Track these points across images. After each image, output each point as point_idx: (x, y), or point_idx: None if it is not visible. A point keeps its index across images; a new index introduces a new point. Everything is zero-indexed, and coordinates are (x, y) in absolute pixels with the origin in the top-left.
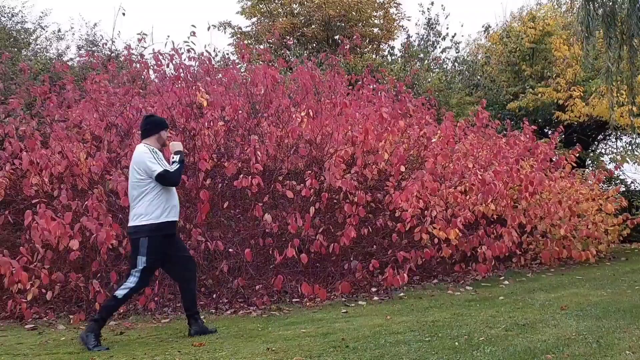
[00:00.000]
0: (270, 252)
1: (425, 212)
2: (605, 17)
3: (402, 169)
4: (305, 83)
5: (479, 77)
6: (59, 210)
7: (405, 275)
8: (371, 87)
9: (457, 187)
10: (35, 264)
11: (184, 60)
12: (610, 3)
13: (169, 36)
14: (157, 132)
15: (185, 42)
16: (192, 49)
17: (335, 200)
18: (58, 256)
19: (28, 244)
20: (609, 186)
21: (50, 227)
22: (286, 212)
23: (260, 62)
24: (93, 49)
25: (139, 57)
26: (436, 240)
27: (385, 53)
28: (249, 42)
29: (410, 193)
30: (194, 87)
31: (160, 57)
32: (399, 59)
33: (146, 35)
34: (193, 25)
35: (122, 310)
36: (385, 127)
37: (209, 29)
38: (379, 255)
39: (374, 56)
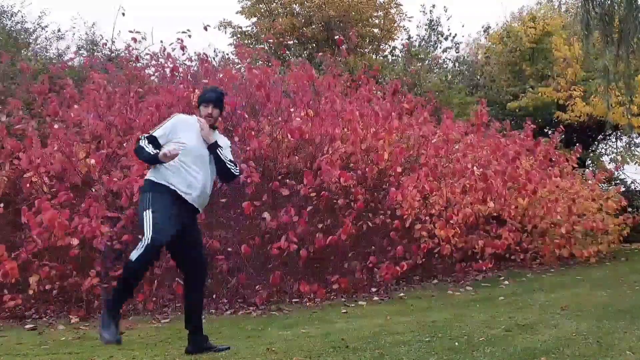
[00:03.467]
0: (268, 248)
1: (424, 210)
2: (603, 16)
3: (399, 169)
4: (302, 85)
5: (479, 77)
6: (58, 209)
7: (403, 265)
8: (368, 87)
9: (457, 185)
10: (34, 260)
11: (184, 60)
12: (609, 2)
13: (162, 41)
14: (198, 107)
15: (178, 39)
16: (185, 46)
17: (335, 200)
18: (58, 255)
19: (27, 242)
20: (609, 186)
21: (47, 216)
22: (285, 210)
23: (259, 62)
24: (93, 48)
25: (134, 59)
26: (436, 241)
27: (386, 53)
28: (249, 42)
29: (406, 188)
30: (190, 87)
31: (161, 58)
32: (400, 59)
33: (139, 32)
34: (188, 30)
35: (122, 311)
36: (382, 125)
37: (205, 29)
38: (379, 255)
39: (374, 56)
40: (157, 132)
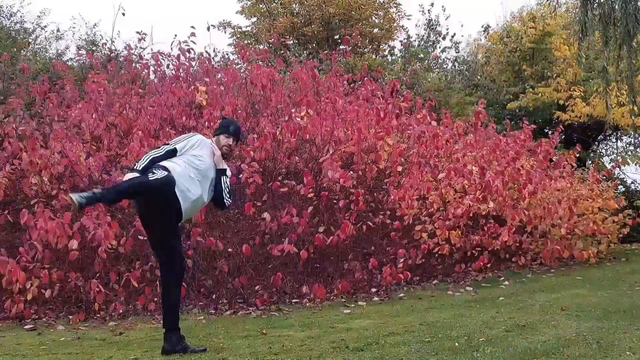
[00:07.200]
0: (269, 248)
1: (424, 210)
2: (603, 16)
3: (399, 168)
4: (303, 85)
5: (479, 77)
6: (58, 210)
7: (404, 272)
8: (370, 88)
9: (455, 184)
10: (34, 264)
11: (185, 60)
12: (610, 2)
13: (176, 35)
14: (218, 135)
15: (185, 42)
16: (192, 49)
17: (335, 200)
18: (57, 256)
19: (27, 245)
20: (609, 186)
21: (48, 227)
22: (285, 210)
23: (260, 62)
24: (93, 48)
25: (138, 57)
26: (436, 240)
27: (386, 53)
28: (249, 42)
29: (407, 190)
30: (192, 87)
31: (160, 57)
32: (399, 59)
33: (146, 34)
34: (192, 27)
35: (121, 311)
36: (381, 125)
37: (208, 29)
38: (379, 255)
39: (374, 56)
40: (178, 145)
